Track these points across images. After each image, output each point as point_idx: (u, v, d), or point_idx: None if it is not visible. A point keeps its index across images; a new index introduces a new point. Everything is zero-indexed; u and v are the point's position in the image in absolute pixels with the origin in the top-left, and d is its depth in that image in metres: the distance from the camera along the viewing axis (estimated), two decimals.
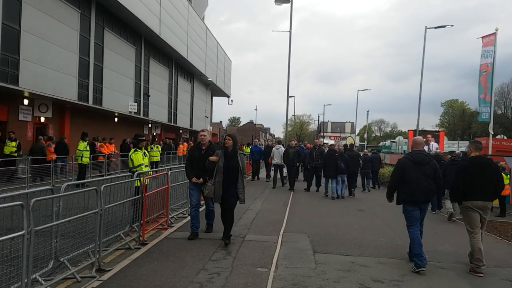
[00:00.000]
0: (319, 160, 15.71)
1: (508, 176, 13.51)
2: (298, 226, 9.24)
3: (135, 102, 28.17)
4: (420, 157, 6.64)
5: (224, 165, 7.04)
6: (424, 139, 11.08)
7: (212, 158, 7.13)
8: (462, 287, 5.60)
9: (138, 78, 29.55)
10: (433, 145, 15.96)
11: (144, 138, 9.05)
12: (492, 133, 18.23)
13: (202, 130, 8.00)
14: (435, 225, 10.45)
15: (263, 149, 21.07)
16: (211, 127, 55.86)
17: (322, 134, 74.39)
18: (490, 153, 17.25)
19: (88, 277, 5.30)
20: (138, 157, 8.48)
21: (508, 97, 67.68)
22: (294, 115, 78.14)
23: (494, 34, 17.79)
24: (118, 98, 25.78)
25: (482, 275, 6.12)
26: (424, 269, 6.14)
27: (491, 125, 17.94)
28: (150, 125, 33.90)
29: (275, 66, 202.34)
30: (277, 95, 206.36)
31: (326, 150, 15.77)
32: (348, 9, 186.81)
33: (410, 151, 7.24)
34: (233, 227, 8.61)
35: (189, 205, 8.37)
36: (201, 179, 7.61)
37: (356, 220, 10.35)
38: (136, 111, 27.99)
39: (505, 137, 34.60)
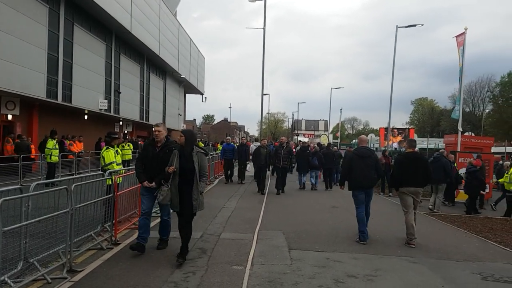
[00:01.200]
0: (286, 160, 14.75)
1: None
2: (273, 223, 9.24)
3: (105, 99, 27.60)
4: (363, 152, 8.29)
5: (180, 166, 6.01)
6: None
7: (170, 168, 5.97)
8: (434, 281, 5.70)
9: (109, 74, 28.96)
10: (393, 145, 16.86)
11: (117, 136, 8.87)
12: (461, 130, 18.69)
13: (157, 125, 6.78)
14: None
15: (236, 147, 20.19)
16: (184, 125, 55.36)
17: (296, 131, 74.84)
18: (458, 149, 17.71)
19: (59, 278, 5.14)
20: (110, 155, 8.30)
21: (476, 95, 69.81)
22: (268, 113, 78.32)
23: (464, 33, 18.25)
24: (88, 95, 25.20)
25: (413, 246, 7.65)
26: (365, 243, 7.73)
27: (460, 122, 18.39)
28: (121, 123, 33.30)
29: (249, 64, 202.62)
30: (251, 92, 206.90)
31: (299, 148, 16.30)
32: (321, 7, 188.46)
33: (357, 147, 8.98)
34: (208, 226, 8.58)
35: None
36: (153, 183, 6.44)
37: (330, 217, 10.44)
38: (106, 108, 27.42)
39: (473, 134, 35.54)
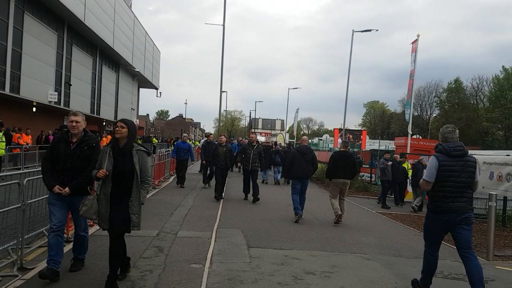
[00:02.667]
0: (256, 162, 12.59)
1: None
2: (232, 221, 9.23)
3: (55, 91, 26.58)
4: (304, 149, 10.16)
5: (113, 168, 4.53)
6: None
7: (101, 173, 4.46)
8: (388, 277, 5.89)
9: (60, 66, 27.90)
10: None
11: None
12: (411, 133, 19.43)
13: (74, 114, 5.22)
14: (362, 219, 10.95)
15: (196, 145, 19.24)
16: (137, 120, 54.20)
17: (253, 130, 75.10)
18: (408, 151, 18.40)
19: (9, 276, 4.89)
20: None
21: (424, 99, 72.87)
22: (225, 110, 78.22)
23: (416, 40, 18.99)
24: (38, 86, 24.16)
25: (341, 222, 9.58)
26: (300, 212, 9.72)
27: (410, 125, 19.13)
28: None
29: (206, 60, 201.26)
30: (208, 89, 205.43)
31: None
32: (279, 8, 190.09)
33: (298, 145, 12.45)
34: (165, 224, 8.44)
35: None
36: (67, 189, 4.88)
37: (288, 215, 10.53)
38: (56, 100, 26.40)
39: (420, 137, 37.11)
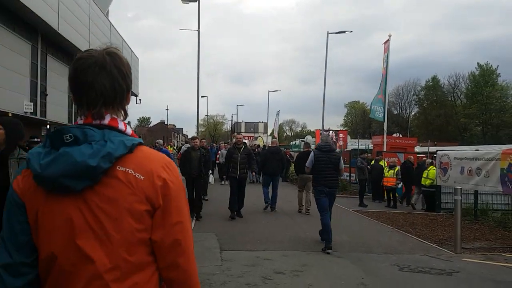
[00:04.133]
0: (245, 168, 10.42)
1: (397, 170, 14.72)
2: (206, 225, 9.25)
3: (31, 101, 26.20)
4: (273, 150, 12.30)
5: None
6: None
7: None
8: (356, 274, 6.01)
9: (35, 76, 27.52)
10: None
11: (37, 139, 8.46)
12: (386, 131, 19.72)
13: None
14: (338, 218, 11.05)
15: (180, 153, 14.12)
16: None
17: (236, 134, 74.95)
18: (385, 149, 18.67)
19: None
20: None
21: (403, 98, 73.84)
22: (207, 115, 77.97)
23: (388, 40, 19.32)
24: (12, 97, 23.79)
25: (309, 213, 10.86)
26: (269, 202, 11.54)
27: (385, 124, 19.42)
28: (48, 126, 31.70)
29: (187, 65, 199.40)
30: (190, 95, 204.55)
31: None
32: (259, 11, 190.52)
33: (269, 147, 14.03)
34: None
35: None
36: None
37: (263, 217, 10.61)
38: (32, 111, 26.02)
39: (400, 135, 37.57)
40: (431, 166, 13.51)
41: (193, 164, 9.80)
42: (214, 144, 24.90)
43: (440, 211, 12.70)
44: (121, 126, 1.31)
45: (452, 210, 12.41)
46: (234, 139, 11.27)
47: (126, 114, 1.40)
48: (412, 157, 16.28)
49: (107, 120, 1.29)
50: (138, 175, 1.23)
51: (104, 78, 1.29)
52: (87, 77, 1.28)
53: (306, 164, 7.97)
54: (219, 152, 19.04)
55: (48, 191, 1.20)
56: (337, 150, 15.14)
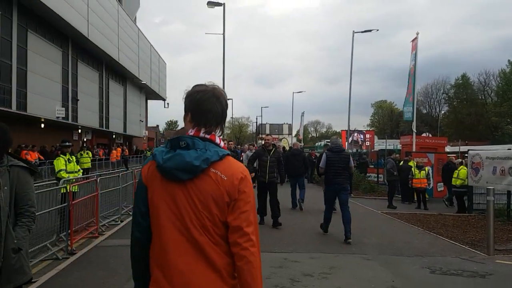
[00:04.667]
0: (275, 172, 9.58)
1: (427, 170, 14.47)
2: None
3: (62, 106, 26.96)
4: (295, 152, 12.84)
5: None
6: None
7: None
8: (386, 276, 5.93)
9: (66, 81, 28.32)
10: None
11: (68, 144, 8.70)
12: (415, 131, 19.36)
13: None
14: (366, 220, 10.96)
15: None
16: (146, 132, 54.67)
17: (260, 135, 75.09)
18: (414, 150, 18.34)
19: None
20: (59, 163, 8.19)
21: (432, 97, 72.41)
22: (232, 117, 78.32)
23: (416, 38, 18.99)
24: (44, 103, 24.55)
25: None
26: (297, 203, 12.04)
27: (414, 123, 19.07)
28: (80, 131, 32.56)
29: (212, 68, 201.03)
30: None
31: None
32: (283, 13, 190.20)
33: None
34: None
35: None
36: None
37: (289, 218, 10.59)
38: (64, 116, 26.78)
39: (430, 135, 36.82)
40: (462, 166, 13.21)
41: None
42: (239, 146, 24.58)
43: (472, 212, 12.41)
44: (217, 140, 1.86)
45: (484, 211, 12.12)
46: (262, 141, 10.77)
47: (222, 131, 1.96)
48: (453, 158, 16.04)
49: (209, 135, 1.84)
50: (223, 176, 1.75)
51: (218, 106, 1.86)
52: (208, 105, 1.84)
53: (320, 165, 8.93)
54: (242, 154, 18.81)
55: (163, 178, 1.76)
56: (358, 150, 15.00)
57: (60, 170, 8.10)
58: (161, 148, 1.83)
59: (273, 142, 10.46)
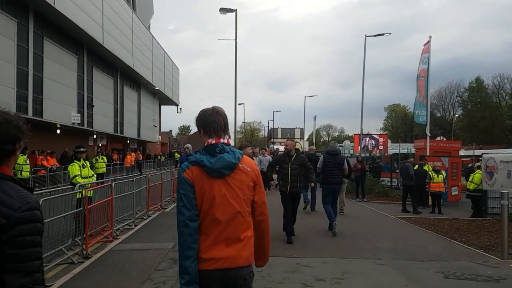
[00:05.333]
0: (298, 181, 8.52)
1: (444, 174, 14.33)
2: None
3: (78, 112, 27.34)
4: (310, 156, 12.63)
5: None
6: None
7: None
8: (399, 281, 5.91)
9: (81, 88, 28.74)
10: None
11: (82, 149, 8.82)
12: (429, 135, 19.22)
13: None
14: (379, 225, 10.92)
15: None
16: (160, 137, 55.07)
17: (272, 140, 75.13)
18: (428, 153, 18.20)
19: None
20: (74, 169, 8.29)
21: (446, 100, 71.69)
22: (244, 122, 78.53)
23: (429, 41, 18.90)
24: (60, 109, 24.94)
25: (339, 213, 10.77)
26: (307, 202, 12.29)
27: (428, 127, 18.94)
28: (95, 136, 32.96)
29: (225, 74, 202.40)
30: (227, 102, 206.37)
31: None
32: (295, 17, 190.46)
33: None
34: None
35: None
36: None
37: (302, 223, 10.57)
38: (79, 122, 27.15)
39: (444, 139, 36.47)
40: (478, 170, 13.09)
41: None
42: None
43: (487, 216, 12.27)
44: (229, 143, 2.60)
45: (498, 215, 11.99)
46: (274, 145, 11.26)
47: (229, 136, 2.66)
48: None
49: (226, 140, 2.57)
50: (248, 169, 2.54)
51: (219, 117, 2.57)
52: (211, 118, 2.56)
53: (318, 165, 9.75)
54: (254, 158, 18.57)
55: (209, 177, 2.43)
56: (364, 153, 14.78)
57: (75, 176, 8.21)
58: (202, 157, 2.48)
59: (294, 147, 8.86)
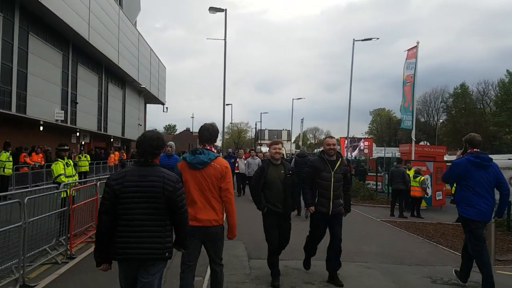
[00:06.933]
0: (340, 197, 6.14)
1: (421, 179, 14.38)
2: None
3: (62, 109, 26.89)
4: (302, 154, 13.29)
5: None
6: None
7: None
8: (387, 285, 5.91)
9: (66, 84, 28.27)
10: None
11: (66, 147, 8.63)
12: (415, 139, 19.39)
13: None
14: (365, 228, 10.95)
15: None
16: None
17: (259, 141, 75.16)
18: (413, 158, 18.36)
19: None
20: (58, 168, 8.10)
21: (430, 105, 72.61)
22: (231, 122, 78.40)
23: (416, 46, 19.06)
24: (44, 105, 24.49)
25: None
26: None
27: (413, 132, 19.11)
28: (78, 134, 32.44)
29: (213, 74, 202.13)
30: (214, 103, 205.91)
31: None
32: (284, 20, 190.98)
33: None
34: None
35: None
36: None
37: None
38: (63, 119, 26.69)
39: (428, 143, 36.90)
40: None
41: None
42: (230, 150, 22.10)
43: None
44: (212, 149, 4.24)
45: None
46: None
47: (214, 144, 4.35)
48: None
49: (209, 147, 4.23)
50: (217, 166, 4.13)
51: (207, 133, 4.28)
52: (203, 132, 4.31)
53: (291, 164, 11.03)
54: (237, 160, 17.53)
55: (190, 168, 4.10)
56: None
57: (60, 175, 8.02)
58: (187, 155, 4.20)
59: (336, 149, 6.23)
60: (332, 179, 5.93)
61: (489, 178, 5.65)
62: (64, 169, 8.22)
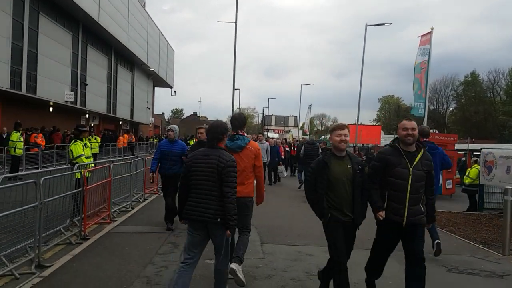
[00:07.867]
0: (420, 202, 4.57)
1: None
2: None
3: (71, 91, 26.94)
4: (311, 142, 15.21)
5: None
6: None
7: None
8: (402, 273, 5.83)
9: (75, 66, 28.27)
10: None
11: (86, 129, 8.63)
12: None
13: None
14: None
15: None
16: (153, 119, 54.65)
17: (266, 127, 75.02)
18: None
19: (28, 274, 5.00)
20: (78, 148, 8.06)
21: (440, 93, 71.90)
22: (239, 108, 78.34)
23: (430, 33, 18.72)
24: (54, 86, 24.53)
25: None
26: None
27: (425, 120, 18.90)
28: (87, 116, 32.54)
29: (219, 58, 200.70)
30: (221, 87, 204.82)
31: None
32: (293, 4, 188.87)
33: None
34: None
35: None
36: None
37: (300, 211, 10.53)
38: (72, 100, 26.76)
39: (437, 132, 36.64)
40: (475, 165, 13.09)
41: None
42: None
43: (483, 211, 12.31)
44: (245, 134, 5.13)
45: (495, 210, 12.03)
46: (277, 134, 9.67)
47: (245, 129, 5.25)
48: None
49: (242, 132, 5.10)
50: (252, 148, 5.00)
51: (237, 121, 5.16)
52: (233, 122, 5.21)
53: (300, 152, 13.83)
54: None
55: (230, 152, 4.52)
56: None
57: (81, 155, 7.96)
58: (228, 141, 4.77)
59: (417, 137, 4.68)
60: (410, 177, 4.43)
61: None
62: (84, 150, 8.18)
